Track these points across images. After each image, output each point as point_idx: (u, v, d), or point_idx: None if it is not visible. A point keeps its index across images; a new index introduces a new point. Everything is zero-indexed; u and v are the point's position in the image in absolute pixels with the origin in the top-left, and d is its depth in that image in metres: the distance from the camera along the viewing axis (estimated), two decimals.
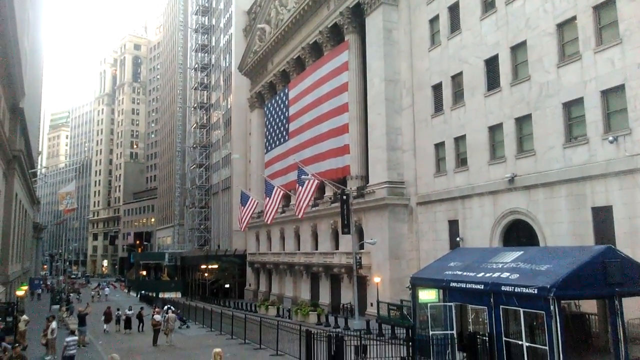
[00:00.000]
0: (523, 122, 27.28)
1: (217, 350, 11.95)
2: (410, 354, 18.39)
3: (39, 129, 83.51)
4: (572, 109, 24.48)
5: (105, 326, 35.48)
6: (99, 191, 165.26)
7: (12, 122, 37.34)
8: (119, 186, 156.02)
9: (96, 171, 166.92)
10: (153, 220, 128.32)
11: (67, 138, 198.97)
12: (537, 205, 25.63)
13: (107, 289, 75.70)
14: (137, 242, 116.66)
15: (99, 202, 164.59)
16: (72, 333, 21.42)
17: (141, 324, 36.14)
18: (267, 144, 62.50)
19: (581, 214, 23.29)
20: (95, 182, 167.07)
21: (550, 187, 24.90)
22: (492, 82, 29.48)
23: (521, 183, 26.55)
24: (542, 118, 25.78)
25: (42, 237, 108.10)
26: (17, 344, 16.69)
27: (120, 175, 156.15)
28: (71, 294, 59.28)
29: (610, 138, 21.98)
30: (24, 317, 28.20)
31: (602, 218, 22.42)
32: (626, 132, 21.61)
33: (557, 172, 24.54)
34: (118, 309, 37.33)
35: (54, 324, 24.93)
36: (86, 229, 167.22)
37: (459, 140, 32.13)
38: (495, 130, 29.21)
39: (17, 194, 41.01)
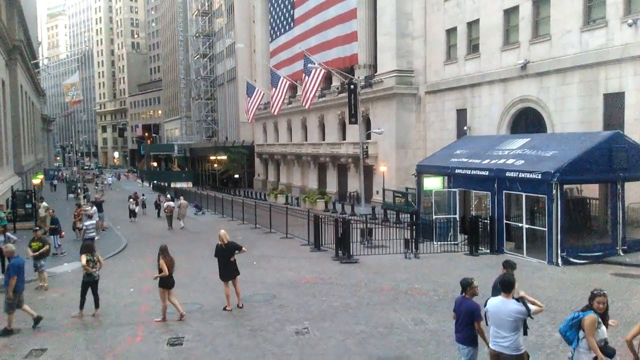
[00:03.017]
0: (541, 3, 25.93)
1: (222, 231, 12.93)
2: (414, 236, 19.19)
3: (36, 18, 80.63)
4: None
5: (135, 209, 37.22)
6: (103, 83, 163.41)
7: (9, 10, 36.08)
8: (123, 77, 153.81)
9: (99, 62, 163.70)
10: (160, 112, 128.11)
11: (65, 28, 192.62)
12: (548, 92, 25.19)
13: (109, 178, 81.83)
14: (146, 134, 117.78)
15: (104, 94, 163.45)
16: (90, 218, 22.41)
17: (158, 210, 37.81)
18: (272, 32, 60.28)
19: (592, 101, 22.96)
20: (99, 73, 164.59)
21: (563, 74, 24.29)
22: None
23: (534, 70, 25.86)
24: None
25: (52, 129, 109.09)
26: (37, 228, 17.48)
27: (123, 66, 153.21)
28: (86, 184, 61.31)
29: (630, 21, 21.01)
30: (44, 203, 29.35)
31: (613, 104, 22.12)
32: None
33: (572, 58, 23.78)
34: (143, 194, 40.17)
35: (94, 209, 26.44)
36: (94, 121, 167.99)
37: (472, 25, 30.81)
38: (510, 13, 27.87)
39: (22, 85, 40.77)
